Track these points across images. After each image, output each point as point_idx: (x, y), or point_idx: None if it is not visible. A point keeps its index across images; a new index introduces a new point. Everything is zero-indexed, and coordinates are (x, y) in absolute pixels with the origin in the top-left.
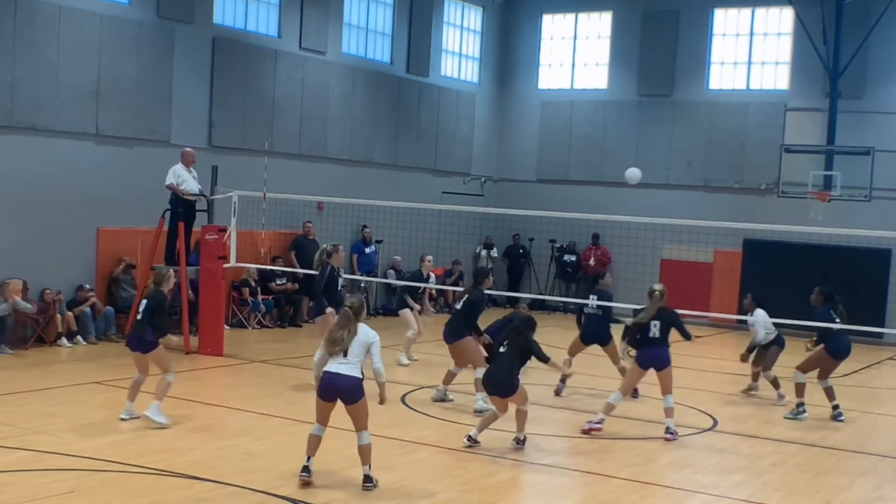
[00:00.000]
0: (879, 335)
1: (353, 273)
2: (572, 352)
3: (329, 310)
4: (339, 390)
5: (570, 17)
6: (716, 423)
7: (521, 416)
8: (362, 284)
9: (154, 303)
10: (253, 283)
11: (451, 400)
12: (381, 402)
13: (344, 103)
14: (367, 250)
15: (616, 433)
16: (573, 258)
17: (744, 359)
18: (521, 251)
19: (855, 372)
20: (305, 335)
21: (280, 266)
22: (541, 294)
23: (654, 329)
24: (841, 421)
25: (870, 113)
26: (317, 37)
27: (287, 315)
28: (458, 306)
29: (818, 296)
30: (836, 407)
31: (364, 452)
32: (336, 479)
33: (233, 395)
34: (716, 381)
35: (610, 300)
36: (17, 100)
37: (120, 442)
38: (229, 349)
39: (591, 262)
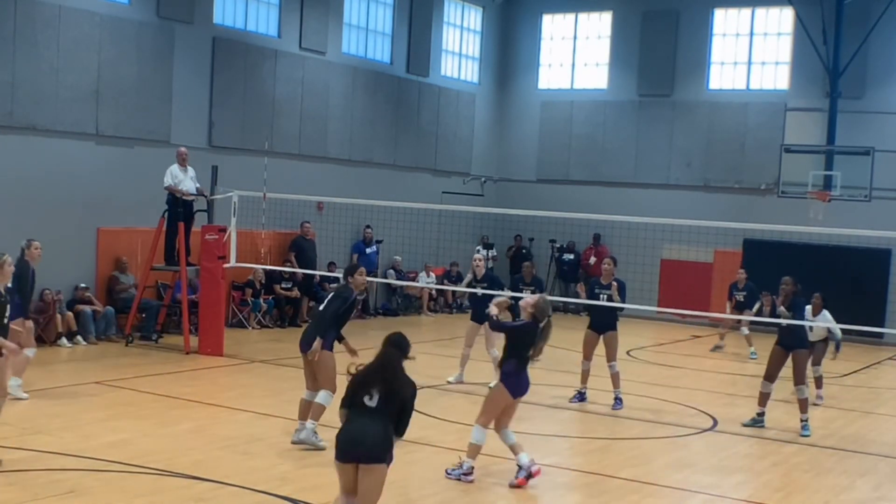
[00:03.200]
0: (879, 335)
1: None
2: (588, 353)
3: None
4: None
5: (570, 17)
6: (716, 423)
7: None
8: None
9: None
10: (258, 286)
11: (322, 446)
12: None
13: (344, 103)
14: (369, 250)
15: (616, 433)
16: (572, 257)
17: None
18: (523, 251)
19: (855, 372)
20: None
21: (288, 268)
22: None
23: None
24: (761, 426)
25: (870, 113)
26: (317, 37)
27: (287, 315)
28: (322, 306)
29: (792, 286)
30: (762, 413)
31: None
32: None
33: (233, 395)
34: (716, 381)
35: (622, 289)
36: (17, 100)
37: (120, 442)
38: (229, 349)
39: (591, 260)
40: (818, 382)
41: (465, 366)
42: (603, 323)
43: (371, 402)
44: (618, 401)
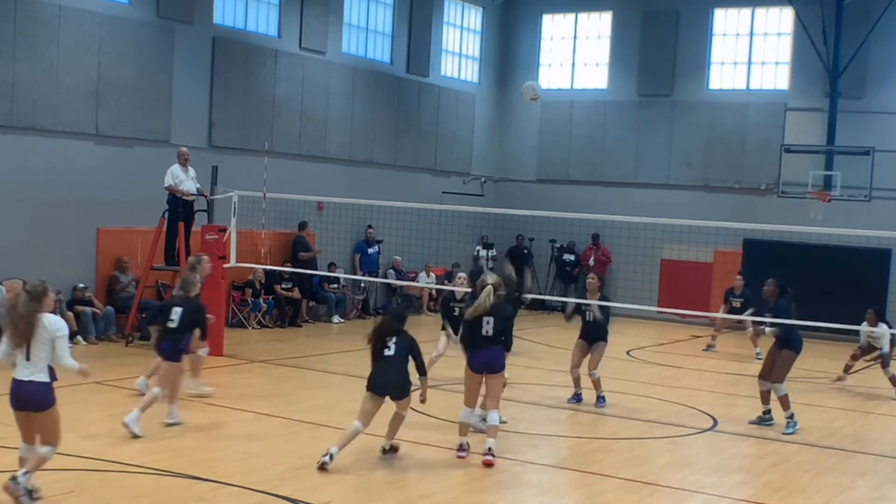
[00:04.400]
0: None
1: (356, 273)
2: (576, 362)
3: None
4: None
5: (570, 17)
6: (716, 423)
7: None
8: (363, 285)
9: (188, 313)
10: (258, 286)
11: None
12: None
13: (344, 103)
14: (370, 251)
15: (616, 433)
16: (572, 258)
17: (856, 358)
18: (524, 251)
19: (855, 372)
20: (305, 335)
21: (289, 268)
22: (541, 294)
23: (488, 326)
24: (769, 425)
25: (870, 113)
26: (317, 37)
27: (287, 315)
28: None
29: (773, 287)
30: (768, 410)
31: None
32: (336, 478)
33: (233, 395)
34: (716, 381)
35: (607, 313)
36: (17, 100)
37: (120, 442)
38: (229, 349)
39: (591, 262)
40: (893, 381)
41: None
42: (593, 335)
43: (389, 351)
44: (601, 399)
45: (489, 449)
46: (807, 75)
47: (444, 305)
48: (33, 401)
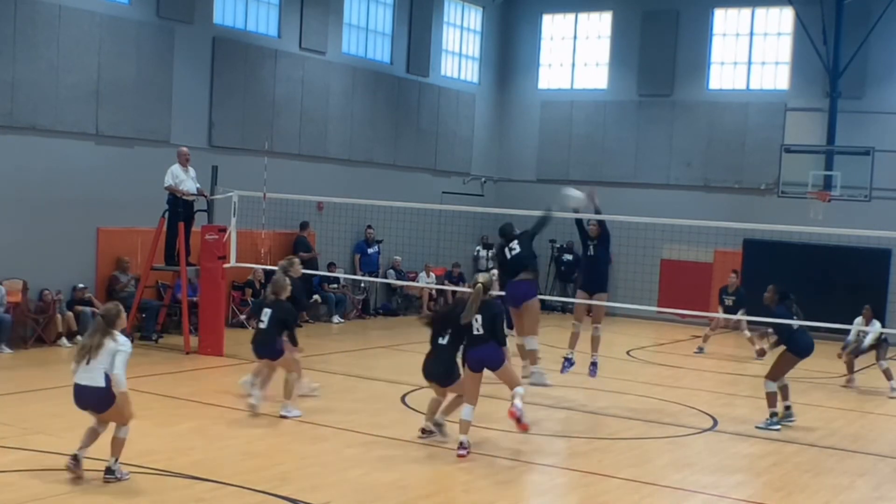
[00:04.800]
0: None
1: (356, 273)
2: (580, 316)
3: None
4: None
5: (570, 17)
6: (716, 423)
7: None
8: (363, 285)
9: (278, 314)
10: (258, 286)
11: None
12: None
13: (344, 103)
14: (370, 251)
15: (616, 433)
16: (571, 258)
17: (841, 356)
18: None
19: (855, 372)
20: (305, 335)
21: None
22: (540, 294)
23: (477, 325)
24: (791, 422)
25: (870, 113)
26: (317, 37)
27: None
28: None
29: (773, 294)
30: (788, 407)
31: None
32: (336, 478)
33: (233, 395)
34: (716, 381)
35: (607, 238)
36: (17, 100)
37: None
38: (229, 349)
39: None
40: (888, 374)
41: None
42: (592, 282)
43: (443, 341)
44: (593, 366)
45: (515, 403)
46: (807, 75)
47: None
48: (91, 403)
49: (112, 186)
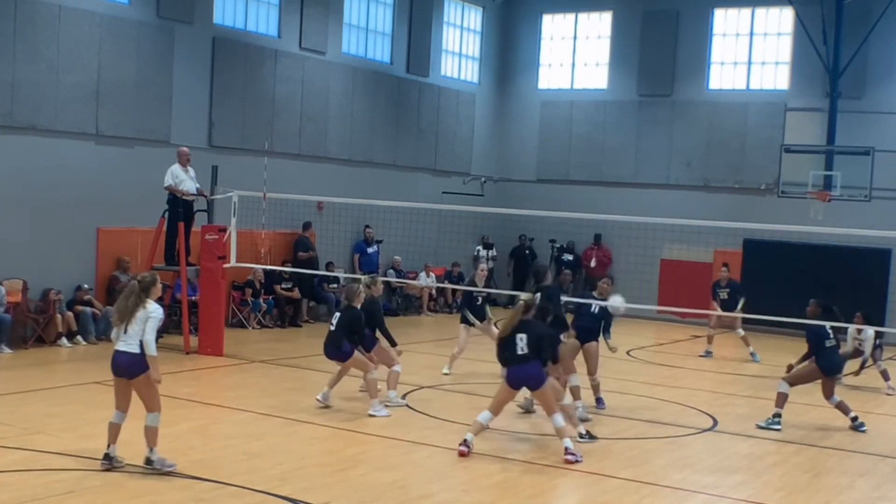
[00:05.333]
0: (880, 335)
1: (356, 273)
2: (568, 368)
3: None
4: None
5: (570, 17)
6: (716, 423)
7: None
8: None
9: (346, 319)
10: (258, 286)
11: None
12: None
13: (344, 103)
14: (370, 250)
15: (616, 433)
16: (571, 258)
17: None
18: (527, 252)
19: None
20: (305, 335)
21: (289, 268)
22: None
23: (521, 344)
24: (863, 431)
25: (870, 113)
26: (317, 37)
27: (287, 315)
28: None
29: (815, 308)
30: (854, 419)
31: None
32: (336, 478)
33: (233, 395)
34: (716, 381)
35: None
36: (17, 100)
37: (120, 442)
38: (229, 349)
39: (592, 263)
40: (885, 375)
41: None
42: (585, 335)
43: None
44: (599, 401)
45: (566, 449)
46: (807, 75)
47: (467, 294)
48: (125, 367)
49: (112, 186)
